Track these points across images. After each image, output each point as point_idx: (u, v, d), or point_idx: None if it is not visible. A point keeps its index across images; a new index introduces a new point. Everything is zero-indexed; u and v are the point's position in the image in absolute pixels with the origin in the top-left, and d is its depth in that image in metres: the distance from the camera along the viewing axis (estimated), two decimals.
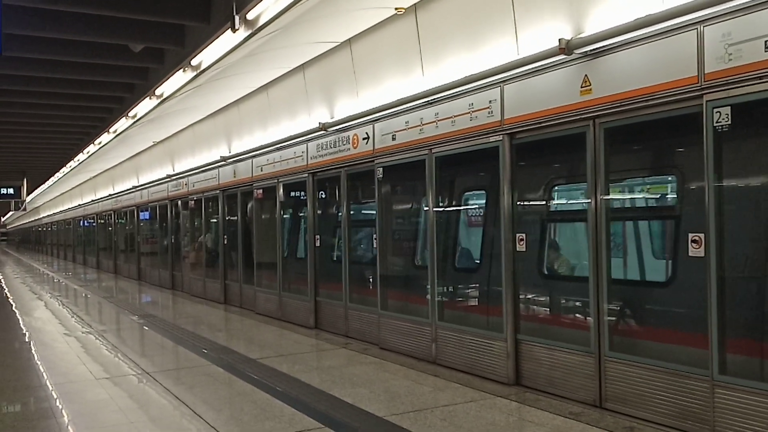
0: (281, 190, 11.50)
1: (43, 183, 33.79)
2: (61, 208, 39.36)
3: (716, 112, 4.71)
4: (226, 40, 8.26)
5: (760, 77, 4.41)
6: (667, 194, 5.98)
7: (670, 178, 5.89)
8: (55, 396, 6.61)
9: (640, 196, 6.18)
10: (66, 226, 38.86)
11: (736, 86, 4.57)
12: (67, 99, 13.97)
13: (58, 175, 28.17)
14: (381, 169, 8.59)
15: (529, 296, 6.80)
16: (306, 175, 10.54)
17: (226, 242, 14.40)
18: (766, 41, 4.36)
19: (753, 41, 4.44)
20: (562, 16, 5.94)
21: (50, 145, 21.32)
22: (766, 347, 4.80)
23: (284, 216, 11.64)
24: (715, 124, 4.72)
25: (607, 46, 5.49)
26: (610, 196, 5.75)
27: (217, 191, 14.55)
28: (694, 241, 4.94)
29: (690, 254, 4.97)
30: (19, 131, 18.40)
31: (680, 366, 5.09)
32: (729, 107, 4.64)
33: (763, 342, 4.82)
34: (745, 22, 4.48)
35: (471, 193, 8.25)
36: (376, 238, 8.78)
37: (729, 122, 4.66)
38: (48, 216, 46.55)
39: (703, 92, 4.78)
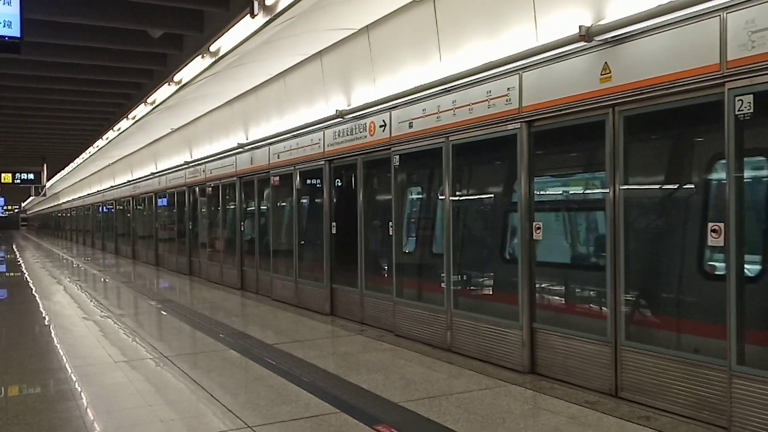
0: (298, 178, 11.53)
1: (63, 169, 34.14)
2: (80, 194, 39.74)
3: (738, 101, 4.64)
4: (245, 25, 8.27)
5: None
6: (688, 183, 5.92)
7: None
8: (74, 378, 6.71)
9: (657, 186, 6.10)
10: (85, 212, 39.25)
11: (759, 74, 4.50)
12: (86, 85, 14.08)
13: (78, 161, 28.45)
14: (397, 156, 8.58)
15: (544, 285, 6.78)
16: (323, 162, 10.55)
17: (243, 229, 14.48)
18: None
19: None
20: (582, 2, 5.87)
21: (70, 130, 21.52)
22: None
23: (301, 203, 11.68)
24: (736, 113, 4.66)
25: (627, 33, 5.43)
26: (629, 186, 5.70)
27: (234, 178, 14.61)
28: (713, 230, 4.89)
29: (709, 244, 4.93)
30: (38, 117, 18.58)
31: (697, 356, 5.07)
32: (752, 95, 4.58)
33: None
34: None
35: (486, 181, 8.22)
36: (392, 226, 8.78)
37: (751, 110, 4.60)
38: (67, 202, 47.03)
39: (725, 80, 4.71)
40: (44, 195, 49.23)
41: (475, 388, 6.06)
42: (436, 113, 7.72)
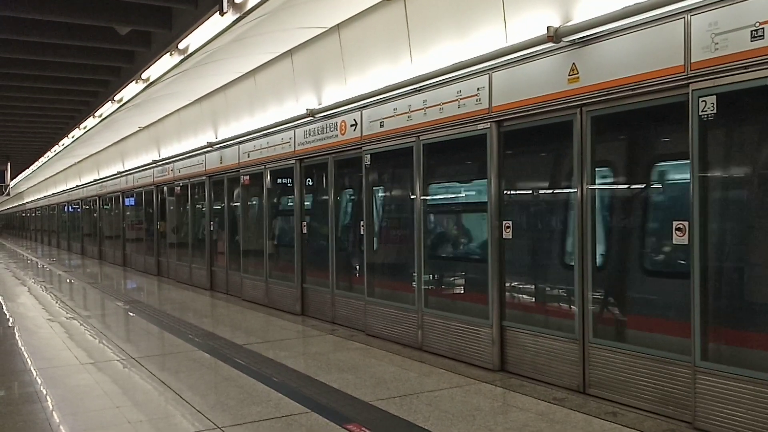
0: (268, 177, 11.47)
1: (27, 168, 33.46)
2: (46, 194, 39.02)
3: (702, 101, 4.74)
4: (214, 23, 8.19)
5: (746, 67, 4.44)
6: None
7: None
8: (39, 381, 6.59)
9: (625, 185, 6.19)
10: (50, 212, 38.55)
11: (722, 75, 4.60)
12: (51, 82, 13.81)
13: (43, 159, 27.90)
14: (369, 156, 8.58)
15: (514, 283, 6.84)
16: (293, 161, 10.51)
17: (212, 228, 14.35)
18: (752, 31, 4.39)
19: (739, 31, 4.47)
20: (550, 3, 5.94)
21: (34, 129, 21.08)
22: (747, 334, 4.86)
23: (271, 202, 11.62)
24: (700, 113, 4.76)
25: (595, 34, 5.51)
26: (596, 185, 5.78)
27: (204, 177, 14.48)
28: (678, 229, 4.99)
29: (674, 242, 5.03)
30: (2, 114, 18.17)
31: (663, 352, 5.16)
32: (714, 96, 4.68)
33: (744, 329, 4.89)
34: (732, 12, 4.51)
35: (455, 180, 8.27)
36: (363, 225, 8.78)
37: (714, 111, 4.70)
38: (32, 201, 46.13)
39: (690, 81, 4.81)
40: (8, 194, 48.16)
41: (446, 386, 6.10)
42: (407, 113, 7.74)
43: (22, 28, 10.11)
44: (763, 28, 4.34)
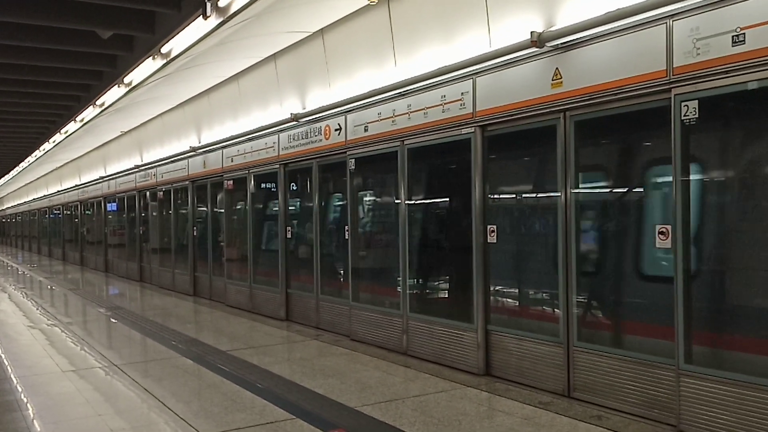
0: (252, 181, 11.42)
1: (7, 173, 33.09)
2: (26, 199, 38.60)
3: (684, 106, 4.78)
4: (197, 27, 8.14)
5: (727, 72, 4.48)
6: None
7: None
8: (19, 389, 6.49)
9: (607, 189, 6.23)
10: (31, 217, 38.13)
11: (703, 80, 4.64)
12: (32, 86, 13.66)
13: (23, 164, 27.61)
14: (353, 160, 8.57)
15: (499, 287, 6.85)
16: (277, 166, 10.47)
17: (195, 233, 14.26)
18: (733, 36, 4.43)
19: (721, 36, 4.51)
20: (534, 8, 5.97)
21: (14, 134, 20.84)
22: (730, 337, 4.90)
23: (255, 207, 11.56)
24: (682, 118, 4.80)
25: (578, 39, 5.54)
26: (580, 190, 5.81)
27: (187, 182, 14.39)
28: (661, 233, 5.02)
29: (657, 245, 5.05)
30: None
31: (647, 356, 5.18)
32: (696, 101, 4.72)
33: (727, 332, 4.92)
34: (714, 17, 4.55)
35: (442, 184, 8.27)
36: (347, 230, 8.76)
37: (696, 116, 4.73)
38: (12, 207, 45.61)
39: (672, 86, 4.85)
40: None
41: (431, 390, 6.08)
42: (392, 117, 7.74)
43: (1, 31, 10.00)
44: (744, 33, 4.38)
